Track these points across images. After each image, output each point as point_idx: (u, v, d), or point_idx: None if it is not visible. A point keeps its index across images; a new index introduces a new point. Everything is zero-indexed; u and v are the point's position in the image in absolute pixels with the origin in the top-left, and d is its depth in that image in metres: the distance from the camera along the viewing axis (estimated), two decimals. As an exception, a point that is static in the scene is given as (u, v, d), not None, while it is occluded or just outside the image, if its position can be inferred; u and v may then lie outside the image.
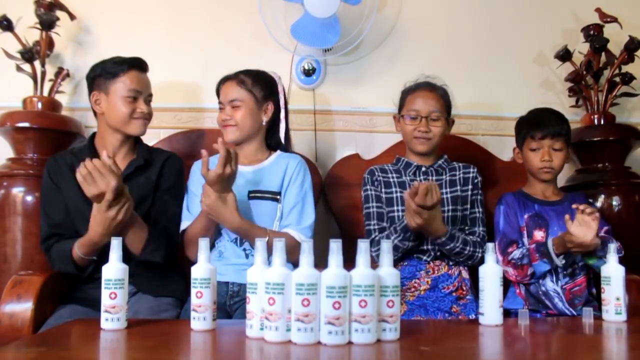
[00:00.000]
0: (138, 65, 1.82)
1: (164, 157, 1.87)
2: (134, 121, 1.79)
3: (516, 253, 1.80)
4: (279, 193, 1.81)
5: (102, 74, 1.79)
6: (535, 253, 1.75)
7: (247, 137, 1.85)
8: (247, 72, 1.88)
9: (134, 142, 1.87)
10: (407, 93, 1.94)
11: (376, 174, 1.90)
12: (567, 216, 1.68)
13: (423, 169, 1.90)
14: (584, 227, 1.65)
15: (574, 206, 1.70)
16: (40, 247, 1.76)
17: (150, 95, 1.85)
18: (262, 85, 1.86)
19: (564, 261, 1.74)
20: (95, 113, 1.84)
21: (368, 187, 1.90)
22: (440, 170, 1.92)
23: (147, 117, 1.82)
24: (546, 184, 1.92)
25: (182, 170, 1.89)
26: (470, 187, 1.88)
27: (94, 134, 1.87)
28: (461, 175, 1.90)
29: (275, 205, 1.79)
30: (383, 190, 1.87)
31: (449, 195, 1.86)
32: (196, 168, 1.84)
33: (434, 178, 1.89)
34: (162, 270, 1.75)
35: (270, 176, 1.83)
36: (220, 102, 1.87)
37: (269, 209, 1.78)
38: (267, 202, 1.79)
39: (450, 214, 1.83)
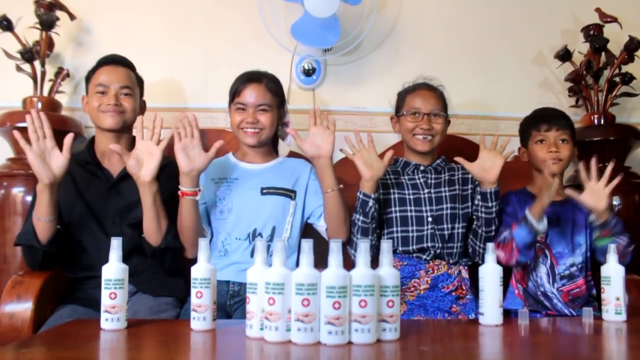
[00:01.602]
0: (108, 61, 1.84)
1: (162, 163, 1.84)
2: (102, 114, 1.79)
3: (502, 235, 1.76)
4: (293, 191, 1.86)
5: (86, 79, 1.86)
6: (515, 223, 1.71)
7: (268, 140, 1.90)
8: (267, 76, 1.90)
9: (131, 142, 1.84)
10: (406, 93, 1.94)
11: None
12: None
13: (422, 167, 1.90)
14: (595, 195, 1.67)
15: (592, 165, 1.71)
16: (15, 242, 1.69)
17: (125, 87, 1.81)
18: (281, 90, 1.93)
19: (543, 226, 1.68)
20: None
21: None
22: (439, 168, 1.92)
23: (116, 109, 1.79)
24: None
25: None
26: (470, 186, 1.89)
27: (93, 138, 1.87)
28: (460, 175, 1.91)
29: (289, 201, 1.84)
30: (380, 192, 1.87)
31: (447, 194, 1.87)
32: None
33: (433, 176, 1.90)
34: (162, 270, 1.75)
35: (281, 174, 1.88)
36: (240, 103, 1.85)
37: (282, 204, 1.83)
38: (280, 197, 1.83)
39: (449, 211, 1.84)
